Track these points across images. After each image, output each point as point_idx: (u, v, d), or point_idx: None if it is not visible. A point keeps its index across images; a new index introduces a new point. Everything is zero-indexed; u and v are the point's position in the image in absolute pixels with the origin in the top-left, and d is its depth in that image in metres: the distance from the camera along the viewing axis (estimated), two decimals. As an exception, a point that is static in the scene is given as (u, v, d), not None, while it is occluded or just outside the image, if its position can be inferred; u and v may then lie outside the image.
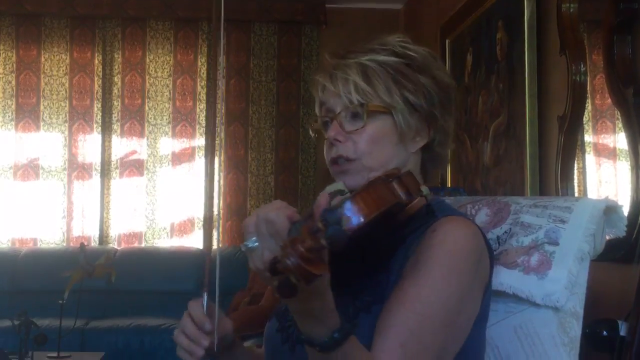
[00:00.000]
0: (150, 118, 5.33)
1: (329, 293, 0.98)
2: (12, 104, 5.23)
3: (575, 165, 2.56)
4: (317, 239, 0.87)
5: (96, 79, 5.31)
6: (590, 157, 2.54)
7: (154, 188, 5.30)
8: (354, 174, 1.26)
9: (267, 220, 1.00)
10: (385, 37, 1.34)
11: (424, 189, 1.17)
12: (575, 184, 2.56)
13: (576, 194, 2.54)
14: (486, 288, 1.23)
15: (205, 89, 5.34)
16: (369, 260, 1.22)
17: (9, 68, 5.25)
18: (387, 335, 1.09)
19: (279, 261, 0.86)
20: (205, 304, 1.20)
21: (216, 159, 5.35)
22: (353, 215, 0.98)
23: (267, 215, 1.00)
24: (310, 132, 1.39)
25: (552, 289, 1.35)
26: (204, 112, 5.34)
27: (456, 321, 1.15)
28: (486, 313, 1.25)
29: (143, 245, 5.28)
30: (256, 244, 1.00)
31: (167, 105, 5.35)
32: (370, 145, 1.26)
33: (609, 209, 1.42)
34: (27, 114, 5.25)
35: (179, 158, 5.35)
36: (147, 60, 5.36)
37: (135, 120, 5.34)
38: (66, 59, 5.30)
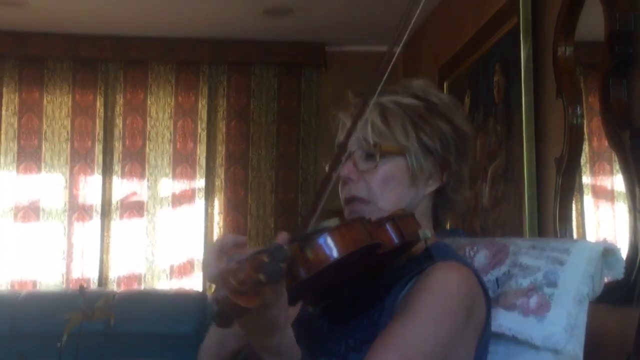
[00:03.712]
0: (151, 160, 5.36)
1: (285, 328, 0.98)
2: (14, 146, 5.26)
3: (574, 206, 2.57)
4: (255, 273, 0.87)
5: (98, 121, 5.34)
6: (588, 199, 2.55)
7: (153, 229, 5.30)
8: (367, 215, 1.25)
9: (215, 251, 1.01)
10: (410, 80, 1.36)
11: (424, 232, 1.18)
12: (574, 226, 2.56)
13: (575, 236, 2.54)
14: (482, 334, 1.23)
15: (205, 131, 5.38)
16: (365, 299, 1.22)
17: (12, 110, 5.29)
18: None
19: (214, 291, 0.88)
20: None
21: (216, 201, 5.35)
22: (326, 251, 0.99)
23: (216, 245, 1.02)
24: (326, 168, 1.38)
25: (551, 331, 1.35)
26: (204, 154, 5.36)
27: None
28: (483, 359, 1.24)
29: (142, 287, 5.26)
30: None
31: (167, 147, 5.38)
32: (382, 186, 1.27)
33: (607, 251, 1.43)
34: (28, 155, 5.28)
35: (179, 200, 5.36)
36: (149, 102, 5.40)
37: (136, 161, 5.36)
38: (68, 101, 5.34)
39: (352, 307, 1.22)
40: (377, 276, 1.18)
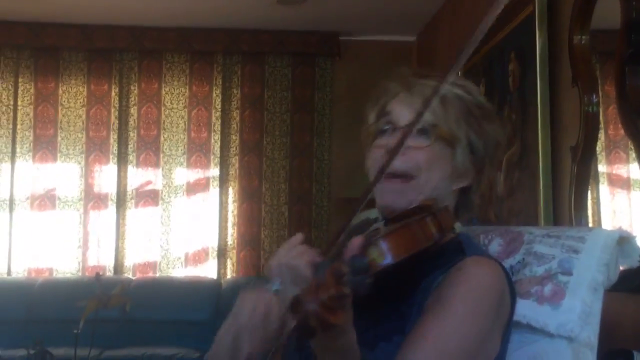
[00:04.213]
0: (166, 149, 5.38)
1: (351, 331, 0.97)
2: (30, 136, 5.30)
3: (589, 195, 2.56)
4: (341, 285, 0.86)
5: (113, 110, 5.37)
6: (604, 187, 2.55)
7: (168, 218, 5.33)
8: (405, 194, 1.25)
9: (289, 267, 1.01)
10: (462, 78, 1.35)
11: (457, 226, 1.17)
12: (590, 214, 2.56)
13: (590, 224, 2.54)
14: (505, 330, 1.23)
15: (219, 120, 5.39)
16: (394, 289, 1.22)
17: (27, 100, 5.32)
18: None
19: (299, 303, 0.85)
20: None
21: (230, 190, 5.39)
22: (384, 255, 0.99)
23: (288, 262, 1.00)
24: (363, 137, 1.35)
25: (566, 319, 1.35)
26: (219, 143, 5.38)
27: None
28: (504, 353, 1.24)
29: (158, 275, 5.30)
30: (280, 287, 1.01)
31: (182, 136, 5.40)
32: (428, 166, 1.25)
33: (623, 240, 1.43)
34: (44, 145, 5.32)
35: (193, 188, 5.38)
36: (163, 92, 5.42)
37: (151, 151, 5.38)
38: (83, 91, 5.37)
39: (379, 297, 1.22)
40: (407, 267, 1.18)
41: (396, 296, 1.22)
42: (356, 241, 0.98)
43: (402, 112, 1.27)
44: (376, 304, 1.21)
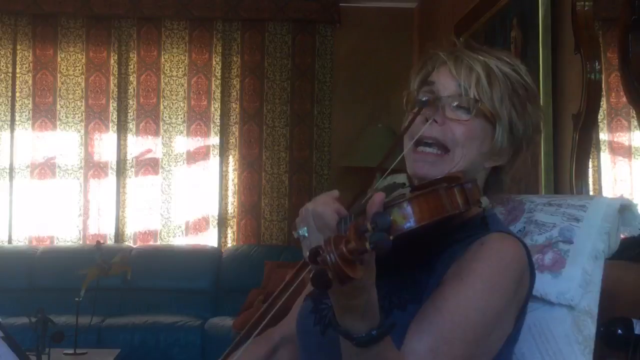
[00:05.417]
0: (165, 117, 5.36)
1: (373, 290, 0.97)
2: (29, 104, 5.28)
3: (590, 163, 2.55)
4: (362, 241, 0.86)
5: (112, 78, 5.34)
6: (605, 156, 2.53)
7: (169, 186, 5.33)
8: (438, 165, 1.23)
9: (316, 215, 1.01)
10: (508, 53, 1.33)
11: (484, 200, 1.16)
12: (590, 183, 2.55)
13: (591, 193, 2.53)
14: (523, 306, 1.22)
15: (219, 88, 5.36)
16: (413, 258, 1.21)
17: (26, 68, 5.29)
18: (420, 338, 1.08)
19: (319, 254, 0.85)
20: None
21: (230, 158, 5.39)
22: (407, 218, 0.98)
23: (315, 209, 1.01)
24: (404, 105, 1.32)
25: (566, 287, 1.35)
26: (219, 111, 5.36)
27: (489, 337, 1.14)
28: (517, 334, 1.24)
29: (158, 243, 5.31)
30: (306, 233, 1.01)
31: (182, 104, 5.38)
32: (466, 140, 1.24)
33: (624, 208, 1.42)
34: (43, 113, 5.30)
35: (193, 157, 5.37)
36: (162, 59, 5.39)
37: (151, 119, 5.37)
38: (82, 58, 5.34)
39: (397, 264, 1.20)
40: (428, 236, 1.17)
41: (415, 266, 1.21)
42: (378, 197, 0.97)
43: (446, 82, 1.26)
44: (394, 272, 1.20)
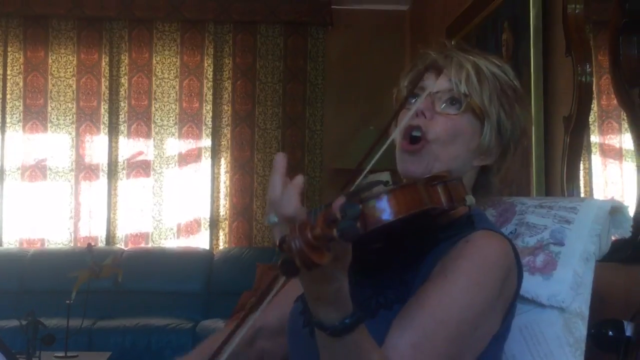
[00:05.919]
0: (157, 119, 5.35)
1: (344, 279, 0.97)
2: (19, 105, 5.26)
3: (581, 165, 2.56)
4: (330, 228, 0.86)
5: (103, 80, 5.33)
6: (596, 158, 2.54)
7: (160, 189, 5.32)
8: (420, 158, 1.24)
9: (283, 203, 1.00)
10: (501, 59, 1.34)
11: (469, 198, 1.17)
12: (582, 185, 2.56)
13: (582, 195, 2.54)
14: (509, 307, 1.22)
15: (211, 90, 5.36)
16: (399, 258, 1.21)
17: (17, 69, 5.27)
18: (402, 334, 1.08)
19: (285, 241, 0.86)
20: None
21: (222, 160, 5.38)
22: (383, 211, 0.98)
23: (283, 198, 1.00)
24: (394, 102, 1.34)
25: (557, 289, 1.35)
26: (210, 113, 5.35)
27: (473, 334, 1.14)
28: (506, 332, 1.24)
29: (150, 245, 5.30)
30: (276, 219, 1.01)
31: (173, 106, 5.37)
32: (451, 134, 1.25)
33: (615, 210, 1.43)
34: (34, 115, 5.28)
35: (185, 159, 5.37)
36: (154, 61, 5.38)
37: (142, 121, 5.36)
38: (73, 60, 5.32)
39: (383, 264, 1.21)
40: (414, 235, 1.17)
41: (402, 266, 1.21)
42: (347, 191, 0.98)
43: (436, 79, 1.27)
44: (381, 272, 1.21)
